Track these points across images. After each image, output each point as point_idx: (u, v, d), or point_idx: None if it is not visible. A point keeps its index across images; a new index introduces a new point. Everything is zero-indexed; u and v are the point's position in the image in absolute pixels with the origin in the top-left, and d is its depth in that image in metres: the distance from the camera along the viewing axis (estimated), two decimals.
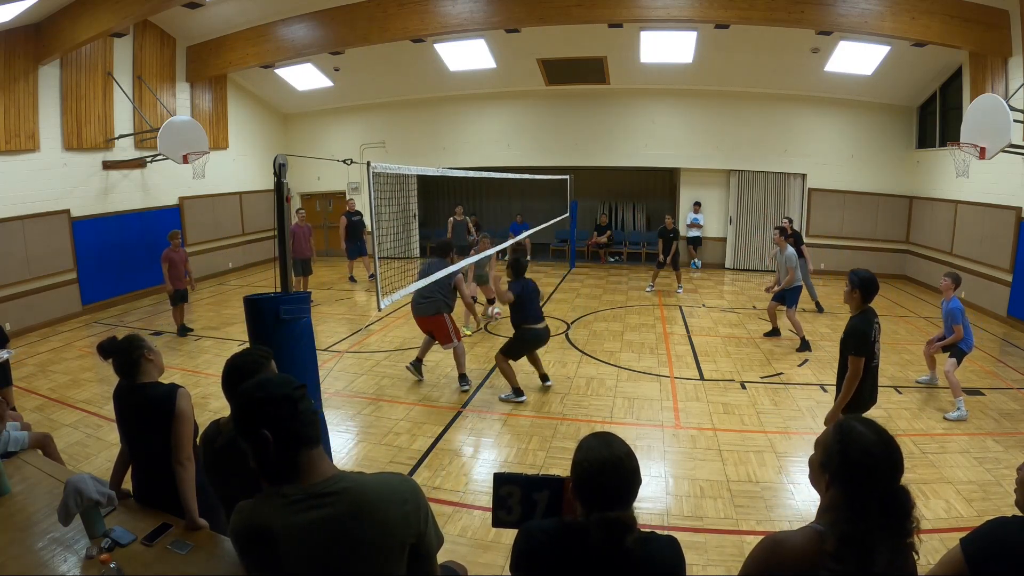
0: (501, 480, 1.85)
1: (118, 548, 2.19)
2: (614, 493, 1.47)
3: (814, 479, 1.52)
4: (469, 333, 8.07)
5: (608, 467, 1.47)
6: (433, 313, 6.01)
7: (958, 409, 5.39)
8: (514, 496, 1.82)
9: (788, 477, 4.36)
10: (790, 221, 9.41)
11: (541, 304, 6.11)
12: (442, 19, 9.88)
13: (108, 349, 2.61)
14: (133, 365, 2.57)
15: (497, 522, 1.85)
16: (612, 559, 1.44)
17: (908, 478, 1.47)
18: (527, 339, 5.73)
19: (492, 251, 7.88)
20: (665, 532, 1.59)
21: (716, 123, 12.76)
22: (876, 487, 1.38)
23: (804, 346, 7.49)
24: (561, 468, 4.22)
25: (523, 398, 5.73)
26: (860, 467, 1.40)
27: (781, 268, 7.80)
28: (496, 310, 8.78)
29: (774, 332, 8.07)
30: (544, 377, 6.08)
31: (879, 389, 3.79)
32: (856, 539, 1.35)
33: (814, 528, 1.44)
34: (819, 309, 9.48)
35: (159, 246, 8.93)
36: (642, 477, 1.54)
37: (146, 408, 2.50)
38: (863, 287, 3.56)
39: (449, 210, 13.67)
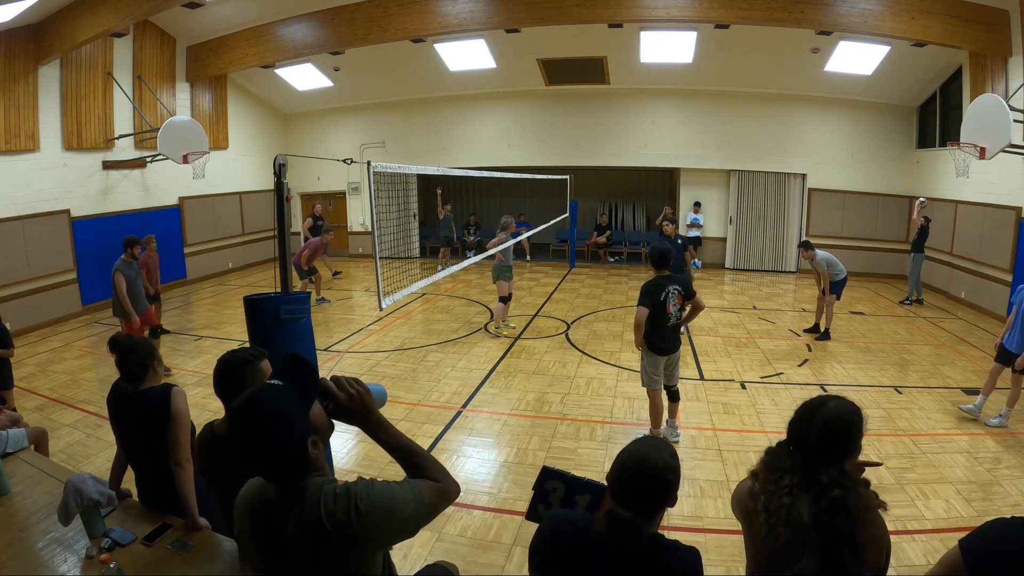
0: (549, 474, 1.82)
1: (118, 548, 2.19)
2: (639, 494, 1.44)
3: None
4: (504, 333, 8.14)
5: (644, 467, 1.45)
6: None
7: (1001, 416, 5.19)
8: (557, 492, 1.80)
9: None
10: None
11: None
12: (442, 19, 9.87)
13: (123, 345, 2.53)
14: (142, 370, 2.51)
15: (534, 515, 1.82)
16: (629, 563, 1.41)
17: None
18: None
19: (511, 243, 8.07)
20: (671, 535, 1.55)
21: (716, 123, 12.75)
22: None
23: (815, 328, 8.00)
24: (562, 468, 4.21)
25: None
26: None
27: (818, 272, 8.02)
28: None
29: (815, 329, 8.15)
30: None
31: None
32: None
33: None
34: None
35: (159, 246, 8.87)
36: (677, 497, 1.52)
37: (142, 412, 2.46)
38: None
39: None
